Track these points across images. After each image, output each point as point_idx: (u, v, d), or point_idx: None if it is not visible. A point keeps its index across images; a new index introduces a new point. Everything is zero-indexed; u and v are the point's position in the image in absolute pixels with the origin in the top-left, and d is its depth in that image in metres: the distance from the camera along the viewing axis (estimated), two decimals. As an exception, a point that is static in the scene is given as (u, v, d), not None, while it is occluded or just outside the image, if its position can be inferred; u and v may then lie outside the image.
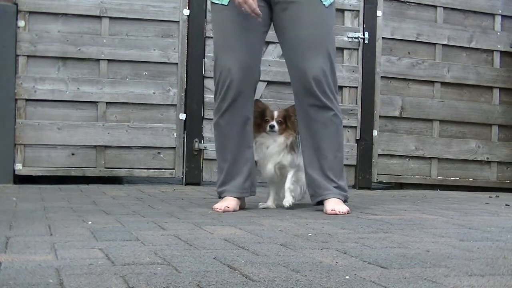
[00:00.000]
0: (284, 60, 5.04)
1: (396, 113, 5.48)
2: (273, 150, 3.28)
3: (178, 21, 4.99)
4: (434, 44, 5.58)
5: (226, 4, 3.13)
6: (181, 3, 5.00)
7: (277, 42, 3.45)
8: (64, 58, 4.78)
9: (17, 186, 4.50)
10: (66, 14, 4.79)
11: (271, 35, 3.36)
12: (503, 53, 5.76)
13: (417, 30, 5.52)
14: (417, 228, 2.62)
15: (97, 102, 4.83)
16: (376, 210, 3.40)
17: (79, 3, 4.80)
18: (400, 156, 5.49)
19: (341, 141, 3.30)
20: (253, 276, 1.59)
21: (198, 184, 5.00)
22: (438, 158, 5.58)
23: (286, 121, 3.30)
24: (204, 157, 5.05)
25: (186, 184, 4.96)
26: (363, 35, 5.33)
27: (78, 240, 2.11)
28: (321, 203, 3.24)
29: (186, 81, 5.03)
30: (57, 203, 3.39)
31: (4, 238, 2.10)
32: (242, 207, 3.27)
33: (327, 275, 1.62)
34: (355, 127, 5.34)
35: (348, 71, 5.30)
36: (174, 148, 4.98)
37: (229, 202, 3.20)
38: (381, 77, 5.42)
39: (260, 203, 3.35)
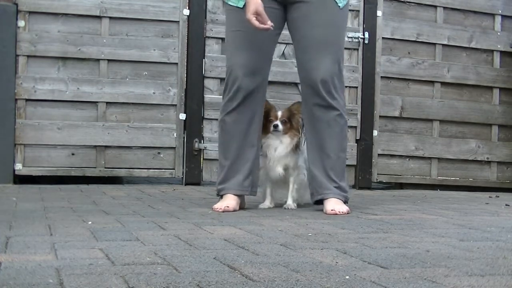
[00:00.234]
0: (284, 60, 5.10)
1: (396, 113, 5.48)
2: (281, 152, 3.29)
3: (178, 21, 4.99)
4: (434, 44, 5.58)
5: (242, 7, 3.14)
6: (181, 3, 5.00)
7: (278, 42, 3.47)
8: (64, 58, 4.78)
9: (17, 186, 4.50)
10: (66, 14, 4.79)
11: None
12: (503, 53, 5.76)
13: (417, 30, 5.52)
14: (417, 228, 2.62)
15: (97, 102, 4.83)
16: (376, 210, 3.40)
17: (79, 3, 4.80)
18: (400, 156, 5.49)
19: (344, 141, 3.32)
20: (253, 276, 1.59)
21: (198, 184, 5.00)
22: (438, 158, 5.58)
23: (291, 120, 3.31)
24: (204, 157, 5.05)
25: (186, 184, 4.96)
26: (363, 35, 5.33)
27: (78, 240, 2.11)
28: (320, 202, 3.25)
29: (186, 81, 5.03)
30: (57, 203, 3.39)
31: (4, 238, 2.10)
32: (241, 207, 3.27)
33: (327, 275, 1.62)
34: (355, 127, 5.34)
35: (348, 71, 5.30)
36: (174, 148, 4.98)
37: (229, 202, 3.20)
38: (381, 77, 5.42)
39: (260, 204, 3.35)
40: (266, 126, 3.31)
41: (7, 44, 4.63)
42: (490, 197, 4.72)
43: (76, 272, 1.59)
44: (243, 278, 1.57)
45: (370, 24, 5.36)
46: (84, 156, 4.81)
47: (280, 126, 3.27)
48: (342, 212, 3.11)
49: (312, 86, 3.20)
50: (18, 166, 4.65)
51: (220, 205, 3.18)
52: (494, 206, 3.91)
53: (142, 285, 1.47)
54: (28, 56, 4.70)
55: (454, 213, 3.35)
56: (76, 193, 4.02)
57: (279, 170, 3.29)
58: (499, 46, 5.74)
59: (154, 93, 4.94)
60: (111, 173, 4.87)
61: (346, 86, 5.30)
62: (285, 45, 5.08)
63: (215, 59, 5.03)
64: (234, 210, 3.17)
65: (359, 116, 5.35)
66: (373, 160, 5.38)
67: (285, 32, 3.38)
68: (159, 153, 4.96)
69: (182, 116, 4.99)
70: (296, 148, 3.30)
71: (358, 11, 5.35)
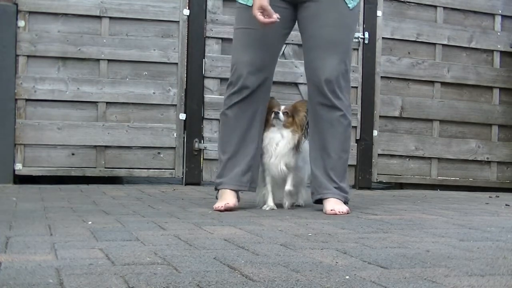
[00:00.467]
0: (284, 60, 5.10)
1: (396, 113, 5.48)
2: (284, 149, 3.25)
3: (178, 21, 4.99)
4: (434, 44, 5.58)
5: (251, 5, 3.15)
6: (181, 3, 4.99)
7: (286, 39, 3.47)
8: (64, 58, 4.78)
9: (17, 186, 4.50)
10: (66, 14, 4.79)
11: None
12: (503, 53, 5.76)
13: (417, 30, 5.52)
14: (417, 228, 2.62)
15: (97, 102, 4.83)
16: (376, 210, 3.40)
17: (79, 3, 4.80)
18: (400, 156, 5.49)
19: (347, 142, 3.32)
20: (253, 276, 1.59)
21: (198, 184, 5.00)
22: (438, 158, 5.58)
23: (294, 116, 3.29)
24: (204, 157, 5.05)
25: (186, 184, 4.96)
26: (363, 35, 5.33)
27: (78, 240, 2.11)
28: (319, 201, 3.26)
29: (186, 81, 5.03)
30: (57, 203, 3.39)
31: (4, 238, 2.10)
32: (237, 199, 3.28)
33: (327, 275, 1.62)
34: (355, 127, 5.33)
35: (348, 71, 5.29)
36: (174, 148, 4.98)
37: (228, 199, 3.20)
38: (381, 77, 5.42)
39: (263, 206, 3.33)
40: (269, 120, 3.30)
41: (7, 44, 4.63)
42: (490, 197, 4.72)
43: (76, 272, 1.59)
44: (243, 278, 1.57)
45: (370, 24, 5.36)
46: (84, 156, 4.81)
47: (281, 115, 3.25)
48: (342, 212, 3.11)
49: (317, 85, 3.21)
50: (18, 166, 4.65)
51: (220, 204, 3.18)
52: (494, 206, 3.91)
53: (142, 285, 1.47)
54: (28, 56, 4.70)
55: (454, 213, 3.35)
56: (76, 193, 4.02)
57: (282, 167, 3.26)
58: (499, 46, 5.74)
59: (154, 93, 4.94)
60: (111, 173, 4.87)
61: (346, 86, 5.30)
62: (285, 45, 5.08)
63: (215, 59, 5.03)
64: (235, 206, 3.19)
65: (359, 116, 5.35)
66: (373, 160, 5.38)
67: (285, 32, 3.39)
68: (159, 153, 4.96)
69: (182, 116, 4.99)
70: (297, 147, 3.27)
71: (358, 11, 5.34)
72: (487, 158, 5.71)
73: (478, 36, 5.69)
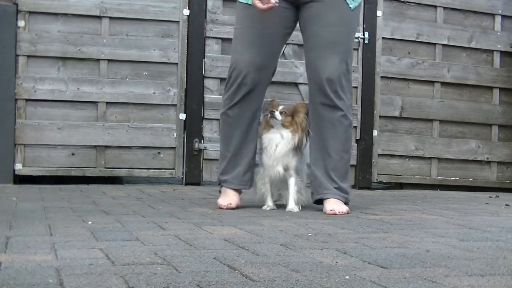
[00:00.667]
0: (284, 60, 5.09)
1: (396, 113, 5.48)
2: (282, 150, 3.22)
3: (178, 21, 4.99)
4: (434, 44, 5.58)
5: (251, 4, 3.15)
6: (181, 3, 4.99)
7: (286, 39, 3.47)
8: (64, 58, 4.78)
9: (17, 186, 4.50)
10: (66, 14, 4.79)
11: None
12: (503, 53, 5.76)
13: (417, 30, 5.52)
14: (417, 228, 2.62)
15: (97, 102, 4.83)
16: (376, 210, 3.40)
17: (79, 3, 4.80)
18: (400, 156, 5.49)
19: (348, 143, 3.32)
20: (253, 276, 1.59)
21: (198, 184, 5.00)
22: (438, 158, 5.58)
23: (293, 116, 3.25)
24: (204, 157, 5.05)
25: (186, 184, 4.96)
26: (363, 35, 5.33)
27: (78, 240, 2.11)
28: (319, 202, 3.26)
29: (186, 81, 5.03)
30: (57, 203, 3.39)
31: (4, 238, 2.10)
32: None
33: (327, 275, 1.62)
34: (355, 127, 5.32)
35: (348, 71, 5.29)
36: (174, 148, 4.98)
37: (231, 198, 3.28)
38: (381, 77, 5.42)
39: (263, 206, 3.33)
40: (268, 121, 3.27)
41: (7, 44, 4.63)
42: (490, 197, 4.72)
43: (76, 272, 1.59)
44: (243, 278, 1.57)
45: (370, 24, 5.36)
46: (84, 156, 4.81)
47: (277, 114, 3.20)
48: (342, 212, 3.12)
49: (319, 84, 3.21)
50: (18, 166, 4.65)
51: (224, 201, 3.27)
52: (494, 206, 3.91)
53: (142, 285, 1.47)
54: (28, 56, 4.70)
55: (454, 213, 3.35)
56: (76, 193, 4.02)
57: (280, 169, 3.24)
58: (499, 46, 5.74)
59: (154, 93, 4.94)
60: (111, 173, 4.87)
61: (346, 86, 5.30)
62: (285, 45, 5.07)
63: (215, 59, 5.03)
64: (237, 206, 3.26)
65: (359, 116, 5.35)
66: (373, 160, 5.38)
67: (285, 32, 3.39)
68: (159, 153, 4.96)
69: (182, 116, 4.99)
70: (298, 148, 3.23)
71: (359, 11, 5.34)
72: (487, 158, 5.71)
73: (478, 36, 5.69)
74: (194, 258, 1.81)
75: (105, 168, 4.84)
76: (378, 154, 5.41)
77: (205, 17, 5.03)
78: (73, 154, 4.79)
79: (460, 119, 5.65)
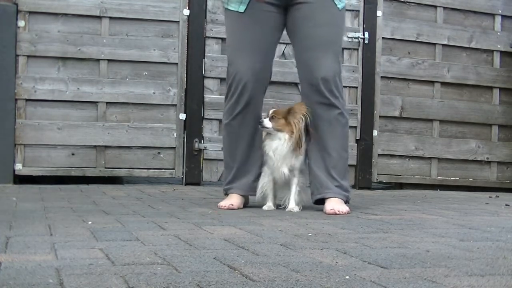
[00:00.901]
0: (284, 60, 5.09)
1: (396, 113, 5.48)
2: (282, 152, 3.20)
3: (178, 21, 4.99)
4: (434, 44, 5.58)
5: (243, 11, 3.20)
6: (181, 3, 5.00)
7: (279, 42, 3.49)
8: (64, 58, 4.78)
9: (17, 186, 4.50)
10: (66, 14, 4.79)
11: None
12: (503, 53, 5.76)
13: (417, 30, 5.52)
14: (417, 228, 2.62)
15: (97, 102, 4.83)
16: (376, 210, 3.40)
17: (79, 3, 4.80)
18: (400, 156, 5.49)
19: (346, 140, 3.35)
20: (253, 276, 1.59)
21: (198, 184, 5.00)
22: (438, 158, 5.58)
23: (288, 118, 3.20)
24: (204, 157, 5.05)
25: (186, 184, 4.96)
26: (363, 35, 5.33)
27: (78, 240, 2.11)
28: (320, 201, 3.26)
29: (186, 81, 5.03)
30: (57, 203, 3.39)
31: (4, 238, 2.10)
32: (245, 204, 3.37)
33: (327, 275, 1.62)
34: (355, 127, 5.33)
35: (348, 71, 5.30)
36: (174, 148, 4.98)
37: (234, 200, 3.29)
38: (381, 77, 5.42)
39: (264, 206, 3.33)
40: None
41: (7, 44, 4.63)
42: (490, 197, 4.72)
43: (76, 272, 1.59)
44: (243, 278, 1.57)
45: (370, 24, 5.36)
46: (84, 156, 4.81)
47: (265, 122, 3.19)
48: (342, 212, 3.11)
49: (314, 84, 3.22)
50: (18, 166, 4.65)
51: (225, 203, 3.27)
52: (494, 206, 3.91)
53: (142, 285, 1.47)
54: (28, 56, 4.70)
55: (454, 213, 3.35)
56: (76, 193, 4.02)
57: (284, 170, 3.23)
58: (499, 46, 5.74)
59: (154, 93, 4.94)
60: (111, 173, 4.87)
61: (346, 86, 5.29)
62: (285, 45, 5.08)
63: (215, 59, 5.03)
64: (238, 208, 3.26)
65: (359, 116, 5.35)
66: (373, 160, 5.38)
67: (285, 32, 3.40)
68: (159, 153, 4.96)
69: (182, 116, 4.99)
70: (299, 147, 3.20)
71: (358, 11, 5.35)
72: (487, 158, 5.71)
73: (478, 36, 5.69)
74: (194, 258, 1.81)
75: (105, 168, 4.84)
76: (378, 154, 5.41)
77: (205, 17, 5.03)
78: (73, 154, 4.79)
79: (460, 119, 5.65)
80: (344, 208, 3.15)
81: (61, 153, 4.77)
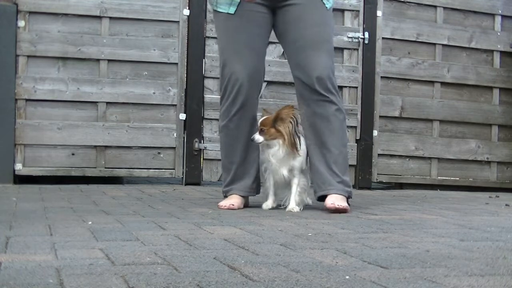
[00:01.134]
0: (284, 60, 5.09)
1: (396, 113, 5.48)
2: (278, 156, 3.21)
3: (178, 21, 5.00)
4: (434, 44, 5.58)
5: (233, 13, 3.21)
6: (181, 3, 5.00)
7: (277, 42, 3.50)
8: (64, 58, 4.78)
9: (17, 186, 4.50)
10: (66, 14, 4.79)
11: (272, 34, 3.41)
12: (503, 53, 5.76)
13: (417, 30, 5.52)
14: (417, 228, 2.62)
15: (97, 102, 4.83)
16: (376, 210, 3.40)
17: (79, 3, 4.80)
18: (400, 156, 5.49)
19: (345, 136, 3.38)
20: (253, 276, 1.59)
21: (198, 184, 5.00)
22: (438, 158, 5.58)
23: (276, 125, 3.19)
24: (204, 157, 5.05)
25: (186, 184, 4.96)
26: (363, 35, 5.33)
27: (78, 240, 2.11)
28: (323, 198, 3.26)
29: (186, 81, 5.03)
30: (57, 203, 3.39)
31: (4, 238, 2.10)
32: (245, 205, 3.36)
33: (327, 275, 1.62)
34: (355, 127, 5.34)
35: (348, 71, 5.30)
36: (174, 148, 4.98)
37: (234, 201, 3.29)
38: (381, 77, 5.42)
39: (263, 204, 3.33)
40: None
41: (7, 44, 4.63)
42: (490, 197, 4.72)
43: (76, 272, 1.59)
44: (243, 278, 1.57)
45: (370, 24, 5.36)
46: (84, 156, 4.81)
47: (256, 137, 3.19)
48: (341, 206, 3.13)
49: (310, 84, 3.24)
50: (18, 166, 4.65)
51: (226, 203, 3.27)
52: (494, 206, 3.91)
53: (142, 285, 1.47)
54: (28, 56, 4.70)
55: (454, 213, 3.35)
56: (76, 193, 4.02)
57: (284, 172, 3.24)
58: (499, 46, 5.74)
59: (154, 93, 4.94)
60: (111, 173, 4.87)
61: (346, 86, 5.32)
62: (285, 45, 5.07)
63: (215, 59, 5.02)
64: (239, 208, 3.25)
65: (359, 116, 5.35)
66: (373, 160, 5.38)
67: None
68: (159, 153, 4.96)
69: (182, 116, 4.99)
70: (295, 150, 3.20)
71: (358, 11, 5.35)
72: (487, 158, 5.71)
73: (478, 36, 5.69)
74: (194, 258, 1.81)
75: (105, 168, 4.84)
76: (378, 154, 5.41)
77: (205, 17, 5.03)
78: (73, 154, 4.79)
79: (460, 119, 5.65)
80: (344, 203, 3.18)
81: (61, 153, 4.77)
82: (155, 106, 4.96)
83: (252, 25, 3.24)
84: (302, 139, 3.29)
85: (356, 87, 5.36)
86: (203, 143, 5.03)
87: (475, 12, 5.69)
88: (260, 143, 3.22)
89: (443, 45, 5.60)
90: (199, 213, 3.03)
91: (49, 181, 4.69)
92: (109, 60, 4.85)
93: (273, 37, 3.40)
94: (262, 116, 3.29)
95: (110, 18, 4.86)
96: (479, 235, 2.45)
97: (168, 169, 4.99)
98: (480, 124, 5.72)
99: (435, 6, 5.58)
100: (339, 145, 3.29)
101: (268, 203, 3.31)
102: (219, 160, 4.75)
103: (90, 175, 4.81)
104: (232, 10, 3.21)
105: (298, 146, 3.22)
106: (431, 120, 5.57)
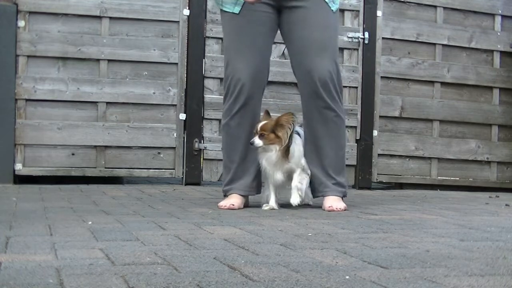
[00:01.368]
0: (284, 60, 5.09)
1: (396, 113, 5.48)
2: (273, 160, 3.23)
3: (178, 21, 4.99)
4: (434, 44, 5.58)
5: (237, 13, 3.23)
6: (181, 3, 5.00)
7: (278, 42, 3.50)
8: (64, 58, 4.78)
9: (17, 186, 4.50)
10: (66, 14, 4.79)
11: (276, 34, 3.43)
12: (503, 53, 5.76)
13: (417, 30, 5.52)
14: (417, 228, 2.62)
15: (97, 102, 4.83)
16: (376, 210, 3.40)
17: (79, 3, 4.80)
18: (400, 156, 5.49)
19: (342, 141, 3.41)
20: (253, 276, 1.59)
21: (198, 184, 5.00)
22: (438, 158, 5.58)
23: (275, 131, 3.20)
24: (204, 157, 5.05)
25: (186, 184, 4.96)
26: (363, 35, 5.33)
27: (78, 240, 2.11)
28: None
29: (186, 81, 5.03)
30: (57, 203, 3.39)
31: (4, 238, 2.10)
32: (245, 205, 3.37)
33: (327, 275, 1.62)
34: (355, 127, 5.34)
35: (348, 71, 5.30)
36: (174, 148, 4.98)
37: (235, 200, 3.29)
38: (381, 77, 5.42)
39: (264, 205, 3.34)
40: None
41: (7, 44, 4.63)
42: (490, 197, 4.72)
43: (76, 272, 1.59)
44: (243, 278, 1.57)
45: (370, 24, 5.36)
46: (84, 156, 4.81)
47: (256, 141, 3.19)
48: (340, 208, 3.23)
49: (312, 86, 3.26)
50: (18, 166, 4.65)
51: (226, 203, 3.28)
52: (494, 206, 3.91)
53: (142, 285, 1.47)
54: (28, 56, 4.70)
55: (454, 213, 3.35)
56: (76, 193, 4.02)
57: (278, 176, 3.26)
58: (499, 46, 5.74)
59: (154, 93, 4.94)
60: (111, 173, 4.87)
61: (346, 86, 5.30)
62: (285, 45, 5.07)
63: (215, 59, 5.03)
64: (239, 208, 3.26)
65: (359, 116, 5.35)
66: (373, 160, 5.38)
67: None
68: (159, 153, 4.96)
69: (182, 116, 4.99)
70: (286, 155, 3.21)
71: (358, 11, 5.35)
72: (487, 158, 5.71)
73: (478, 36, 5.69)
74: (194, 258, 1.81)
75: (105, 168, 4.84)
76: (378, 154, 5.41)
77: (205, 17, 5.03)
78: (73, 154, 4.79)
79: (460, 119, 5.65)
80: (341, 205, 3.27)
81: (61, 153, 4.77)
82: (155, 106, 4.96)
83: (256, 25, 3.25)
84: (299, 140, 3.30)
85: (356, 87, 5.36)
86: (203, 143, 5.03)
87: (475, 12, 5.69)
88: (259, 147, 3.22)
89: (443, 45, 5.60)
90: (199, 213, 3.03)
91: (49, 181, 4.69)
92: (109, 60, 4.85)
93: (275, 37, 3.41)
94: (262, 119, 3.30)
95: (110, 18, 4.86)
96: (479, 235, 2.45)
97: (168, 169, 4.99)
98: (480, 124, 5.72)
99: (435, 6, 5.58)
100: (336, 148, 3.34)
101: (270, 204, 3.31)
102: (219, 160, 4.78)
103: (90, 175, 4.81)
104: (236, 10, 3.22)
105: (290, 152, 3.22)
106: (431, 120, 5.57)
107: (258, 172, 3.36)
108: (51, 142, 4.74)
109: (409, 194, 4.88)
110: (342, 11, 5.27)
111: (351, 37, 5.31)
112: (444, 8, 5.60)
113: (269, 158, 3.24)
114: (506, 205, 3.95)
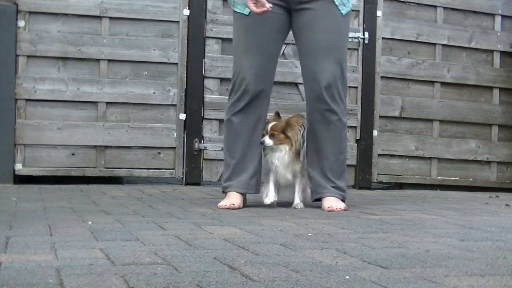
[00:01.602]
0: (284, 60, 5.09)
1: (396, 113, 5.48)
2: (284, 162, 3.33)
3: (178, 21, 4.99)
4: (434, 44, 5.58)
5: (247, 14, 3.25)
6: (181, 3, 5.00)
7: (283, 43, 3.53)
8: (64, 58, 4.78)
9: (17, 186, 4.50)
10: (66, 14, 4.79)
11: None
12: (503, 53, 5.76)
13: (417, 30, 5.52)
14: (417, 228, 2.62)
15: (97, 102, 4.83)
16: (376, 210, 3.40)
17: (79, 3, 4.80)
18: (400, 156, 5.49)
19: (343, 143, 3.42)
20: (253, 276, 1.59)
21: (198, 184, 5.00)
22: (438, 158, 5.58)
23: (286, 132, 3.32)
24: (204, 157, 5.05)
25: (186, 184, 4.96)
26: (363, 35, 5.33)
27: (78, 240, 2.11)
28: (318, 200, 3.37)
29: (186, 81, 5.03)
30: (57, 203, 3.39)
31: (4, 238, 2.10)
32: (244, 203, 3.38)
33: (327, 275, 1.62)
34: (355, 127, 5.34)
35: (348, 71, 5.24)
36: (174, 148, 4.98)
37: (234, 200, 3.30)
38: (381, 77, 5.42)
39: (265, 199, 3.37)
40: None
41: (7, 44, 4.63)
42: (490, 197, 4.72)
43: (76, 272, 1.59)
44: (243, 278, 1.57)
45: (370, 24, 5.36)
46: (84, 156, 4.81)
47: (266, 141, 3.30)
48: (339, 208, 3.24)
49: (316, 89, 3.30)
50: (18, 166, 4.65)
51: (225, 202, 3.29)
52: (494, 206, 3.91)
53: (142, 285, 1.47)
54: (28, 56, 4.70)
55: (454, 213, 3.35)
56: (76, 193, 4.02)
57: (289, 176, 3.36)
58: (499, 46, 5.74)
59: (154, 93, 4.94)
60: (111, 173, 4.87)
61: (346, 86, 5.31)
62: (285, 45, 5.08)
63: (215, 59, 5.03)
64: (239, 208, 3.27)
65: (359, 116, 5.35)
66: (373, 160, 5.38)
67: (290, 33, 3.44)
68: (159, 153, 4.96)
69: (182, 116, 4.99)
70: (298, 155, 3.34)
71: (358, 11, 5.35)
72: (487, 158, 5.71)
73: (478, 36, 5.69)
74: (194, 258, 1.81)
75: (105, 168, 4.85)
76: (378, 154, 5.41)
77: (205, 17, 5.03)
78: (73, 154, 4.79)
79: (460, 119, 5.65)
80: (341, 205, 3.28)
81: (61, 153, 4.77)
82: (155, 106, 4.96)
83: (264, 26, 3.27)
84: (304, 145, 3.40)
85: (356, 87, 5.36)
86: (203, 143, 5.03)
87: (475, 12, 5.69)
88: (269, 146, 3.31)
89: (443, 45, 5.60)
90: (199, 213, 3.03)
91: (49, 181, 4.69)
92: (109, 60, 4.85)
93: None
94: (271, 119, 3.39)
95: (110, 18, 4.86)
96: (479, 235, 2.45)
97: (168, 169, 4.99)
98: (480, 124, 5.71)
99: (435, 6, 5.58)
100: (336, 152, 3.36)
101: (270, 197, 3.36)
102: (219, 160, 4.79)
103: (90, 175, 4.81)
104: (247, 11, 3.24)
105: (301, 154, 3.35)
106: (431, 120, 5.57)
107: (257, 170, 3.38)
108: (51, 142, 4.74)
109: (409, 194, 4.88)
110: (342, 11, 5.28)
111: (351, 37, 5.29)
112: (444, 8, 5.60)
113: (281, 158, 3.32)
114: (506, 205, 3.95)
